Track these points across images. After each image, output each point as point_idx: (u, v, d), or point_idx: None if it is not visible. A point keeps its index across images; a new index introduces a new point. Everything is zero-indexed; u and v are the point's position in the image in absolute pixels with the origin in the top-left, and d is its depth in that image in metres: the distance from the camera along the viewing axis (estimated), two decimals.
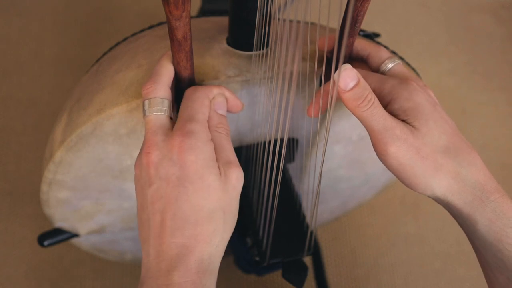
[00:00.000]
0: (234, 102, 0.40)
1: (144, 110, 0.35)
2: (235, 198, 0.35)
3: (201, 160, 0.33)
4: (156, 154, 0.34)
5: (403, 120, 0.37)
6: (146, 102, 0.35)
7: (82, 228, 0.56)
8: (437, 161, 0.36)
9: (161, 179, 0.33)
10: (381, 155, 0.37)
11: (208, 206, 0.33)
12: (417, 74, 0.50)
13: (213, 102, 0.37)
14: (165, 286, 0.32)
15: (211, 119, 0.37)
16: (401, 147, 0.35)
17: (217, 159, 0.35)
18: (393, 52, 0.49)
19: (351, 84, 0.35)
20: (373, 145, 0.37)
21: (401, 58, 0.50)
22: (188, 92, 0.37)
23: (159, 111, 0.35)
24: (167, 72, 0.37)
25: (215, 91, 0.38)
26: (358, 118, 0.36)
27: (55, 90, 0.91)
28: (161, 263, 0.32)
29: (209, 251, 0.33)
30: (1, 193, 0.80)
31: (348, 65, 0.35)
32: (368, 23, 0.64)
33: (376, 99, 0.36)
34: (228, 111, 0.40)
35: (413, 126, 0.36)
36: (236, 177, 0.35)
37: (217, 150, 0.35)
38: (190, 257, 0.32)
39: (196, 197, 0.33)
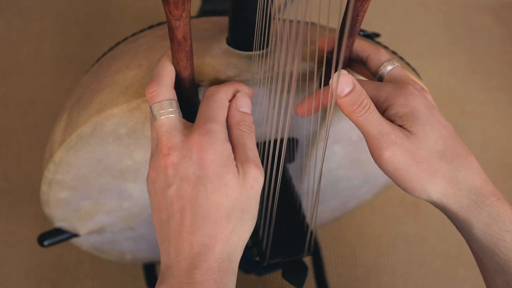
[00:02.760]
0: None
1: (153, 115, 0.35)
2: (253, 197, 0.35)
3: (219, 158, 0.33)
4: (175, 155, 0.34)
5: (400, 125, 0.37)
6: (155, 106, 0.35)
7: (82, 228, 0.56)
8: (432, 166, 0.36)
9: (181, 179, 0.33)
10: (377, 160, 0.37)
11: (226, 205, 0.33)
12: (417, 74, 0.50)
13: (235, 101, 0.37)
14: (187, 284, 0.32)
15: (232, 117, 0.37)
16: (396, 152, 0.36)
17: (236, 158, 0.35)
18: (393, 53, 0.49)
19: (347, 90, 0.35)
20: (369, 149, 0.37)
21: (401, 58, 0.50)
22: (209, 92, 0.37)
23: (169, 113, 0.35)
24: (168, 73, 0.37)
25: (236, 89, 0.38)
26: (354, 123, 0.37)
27: (55, 90, 0.91)
28: (182, 262, 0.33)
29: (228, 250, 0.33)
30: (1, 193, 0.80)
31: (344, 71, 0.35)
32: (368, 23, 0.64)
33: (372, 104, 0.36)
34: None
35: (409, 131, 0.36)
36: (254, 177, 0.35)
37: (237, 148, 0.35)
38: (211, 256, 0.33)
39: (215, 196, 0.33)
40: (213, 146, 0.34)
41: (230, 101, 0.38)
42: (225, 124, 0.36)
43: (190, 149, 0.34)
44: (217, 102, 0.36)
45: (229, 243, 0.34)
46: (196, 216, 0.33)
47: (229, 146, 0.35)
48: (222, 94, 0.37)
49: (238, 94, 0.37)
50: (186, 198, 0.33)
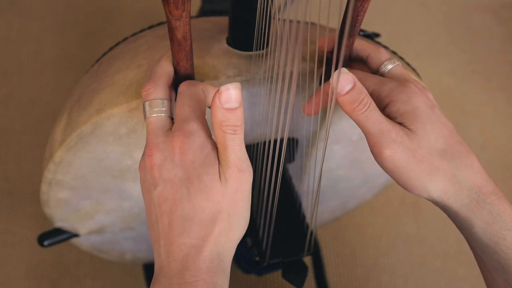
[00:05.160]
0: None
1: (145, 112, 0.35)
2: (240, 200, 0.34)
3: (198, 159, 0.33)
4: (158, 156, 0.33)
5: (400, 123, 0.37)
6: (147, 103, 0.35)
7: (82, 228, 0.56)
8: (433, 164, 0.36)
9: (165, 181, 0.33)
10: (377, 158, 0.37)
11: (209, 207, 0.33)
12: (417, 74, 0.50)
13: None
14: (178, 285, 0.32)
15: (214, 116, 0.33)
16: (397, 150, 0.35)
17: (219, 160, 0.34)
18: (393, 52, 0.49)
19: (347, 88, 0.35)
20: (369, 147, 0.37)
21: (401, 58, 0.50)
22: (182, 88, 0.36)
23: (159, 112, 0.35)
24: (166, 73, 0.37)
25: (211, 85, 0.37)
26: (354, 121, 0.37)
27: (55, 90, 0.91)
28: (172, 263, 0.33)
29: (217, 250, 0.33)
30: (1, 193, 0.80)
31: (344, 69, 0.35)
32: (368, 23, 0.64)
33: (373, 102, 0.36)
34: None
35: (409, 129, 0.36)
36: (238, 181, 0.34)
37: (219, 150, 0.34)
38: (199, 257, 0.33)
39: (197, 198, 0.33)
40: (192, 146, 0.33)
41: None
42: (204, 121, 0.35)
43: (172, 151, 0.33)
44: (192, 98, 0.35)
45: (217, 244, 0.33)
46: (182, 218, 0.33)
47: (210, 144, 0.34)
48: (196, 89, 0.36)
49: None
50: (171, 200, 0.33)
